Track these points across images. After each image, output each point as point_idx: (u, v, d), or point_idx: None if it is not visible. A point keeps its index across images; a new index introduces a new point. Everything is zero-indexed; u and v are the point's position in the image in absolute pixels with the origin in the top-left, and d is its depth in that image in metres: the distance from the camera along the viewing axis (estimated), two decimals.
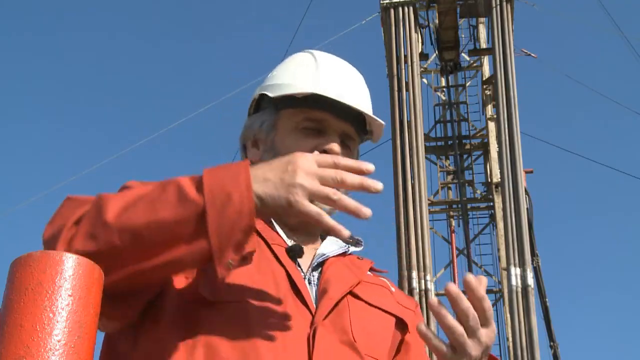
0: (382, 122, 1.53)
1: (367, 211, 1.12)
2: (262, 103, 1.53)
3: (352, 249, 1.47)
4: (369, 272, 1.47)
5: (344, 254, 1.44)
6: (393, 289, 1.49)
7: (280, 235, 1.38)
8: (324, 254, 1.40)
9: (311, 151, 1.38)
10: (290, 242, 1.38)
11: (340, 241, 1.46)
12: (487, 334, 1.22)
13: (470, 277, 1.18)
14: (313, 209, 1.10)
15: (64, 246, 1.10)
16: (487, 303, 1.21)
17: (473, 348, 1.20)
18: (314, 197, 1.10)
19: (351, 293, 1.35)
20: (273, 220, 1.40)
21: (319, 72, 1.49)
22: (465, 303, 1.19)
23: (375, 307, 1.38)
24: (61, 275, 1.01)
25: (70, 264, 1.02)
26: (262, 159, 1.44)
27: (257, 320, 1.22)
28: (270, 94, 1.48)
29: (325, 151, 1.42)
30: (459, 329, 1.19)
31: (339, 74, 1.51)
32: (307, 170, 1.11)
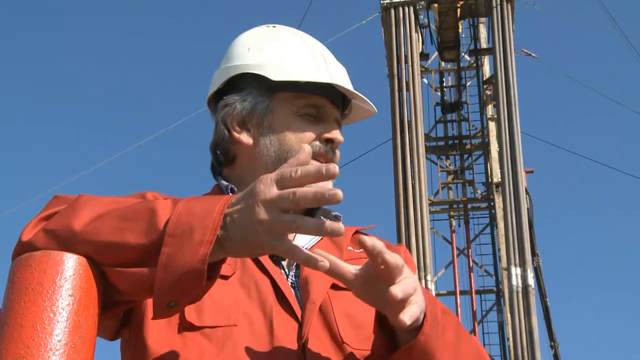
0: (375, 110, 1.52)
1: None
2: (239, 82, 1.42)
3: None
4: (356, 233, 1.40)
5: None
6: None
7: None
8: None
9: (318, 137, 1.38)
10: None
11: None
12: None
13: (365, 239, 1.08)
14: (283, 246, 1.02)
15: (27, 237, 1.08)
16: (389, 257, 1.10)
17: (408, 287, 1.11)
18: (274, 230, 1.02)
19: (333, 286, 1.29)
20: None
21: (319, 57, 1.43)
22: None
23: None
24: (61, 275, 1.01)
25: (70, 264, 1.03)
26: (258, 143, 1.39)
27: (245, 342, 1.19)
28: (271, 77, 1.37)
29: (329, 140, 1.39)
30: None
31: (332, 57, 1.47)
32: (264, 199, 1.02)
